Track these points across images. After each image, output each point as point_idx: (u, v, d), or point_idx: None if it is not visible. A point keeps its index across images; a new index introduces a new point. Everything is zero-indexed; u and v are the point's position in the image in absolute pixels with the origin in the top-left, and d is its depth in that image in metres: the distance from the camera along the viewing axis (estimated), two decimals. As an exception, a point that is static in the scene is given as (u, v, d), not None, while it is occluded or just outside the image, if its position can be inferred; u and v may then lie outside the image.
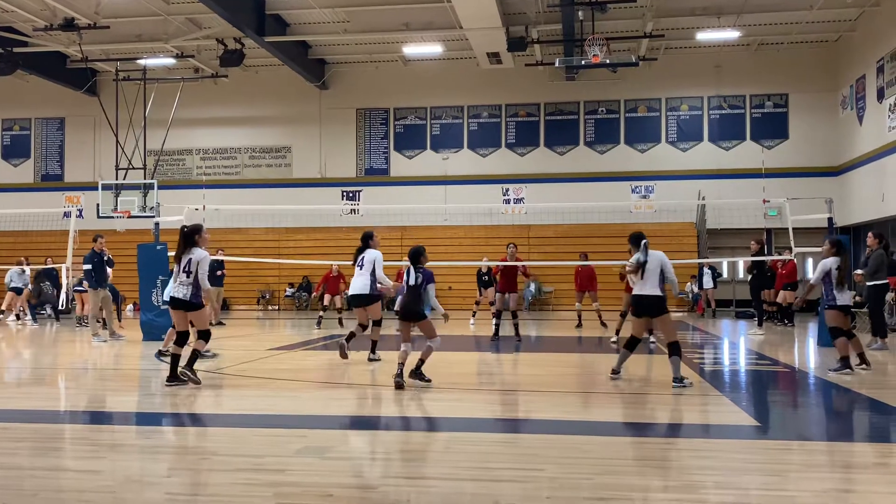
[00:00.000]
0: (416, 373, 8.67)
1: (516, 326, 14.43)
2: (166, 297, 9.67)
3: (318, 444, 5.84)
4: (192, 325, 8.90)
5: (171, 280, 8.94)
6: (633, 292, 8.98)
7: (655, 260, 8.76)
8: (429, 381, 8.64)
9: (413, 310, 8.76)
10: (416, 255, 8.98)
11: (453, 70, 26.65)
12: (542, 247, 25.13)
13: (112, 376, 10.29)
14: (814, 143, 25.02)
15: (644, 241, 8.86)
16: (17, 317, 20.14)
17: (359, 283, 10.70)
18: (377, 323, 10.93)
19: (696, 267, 23.51)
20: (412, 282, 8.84)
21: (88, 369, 10.90)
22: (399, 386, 8.31)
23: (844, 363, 9.50)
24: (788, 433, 6.57)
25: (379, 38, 24.27)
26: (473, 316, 19.15)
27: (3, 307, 19.98)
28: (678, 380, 8.48)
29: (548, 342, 15.19)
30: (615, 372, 9.04)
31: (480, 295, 19.01)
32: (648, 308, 8.78)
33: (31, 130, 29.08)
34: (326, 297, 18.19)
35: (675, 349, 8.63)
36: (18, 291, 19.91)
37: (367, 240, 10.88)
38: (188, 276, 8.60)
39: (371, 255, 10.69)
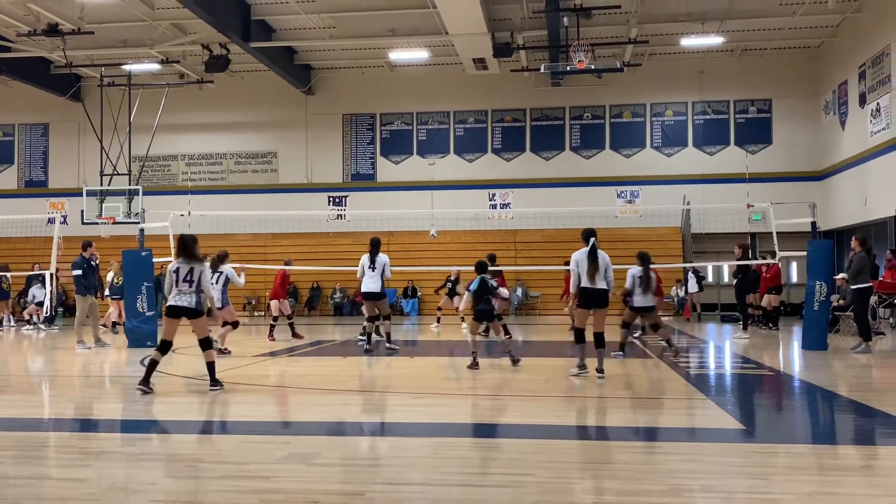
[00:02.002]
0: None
1: (504, 327, 14.58)
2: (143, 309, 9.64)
3: (304, 451, 5.82)
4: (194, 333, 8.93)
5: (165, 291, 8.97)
6: (583, 285, 9.66)
7: (604, 260, 9.68)
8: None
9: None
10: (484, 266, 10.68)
11: (439, 76, 26.70)
12: (529, 252, 25.19)
13: (97, 383, 10.22)
14: (797, 148, 25.23)
15: (592, 239, 9.66)
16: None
17: (373, 283, 12.74)
18: (387, 317, 13.05)
19: (682, 271, 23.61)
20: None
21: (73, 376, 10.82)
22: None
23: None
24: (773, 436, 6.61)
25: (365, 44, 24.29)
26: (438, 322, 19.16)
27: None
28: (581, 367, 9.65)
29: (535, 347, 15.21)
30: (581, 367, 9.73)
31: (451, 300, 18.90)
32: (598, 300, 9.61)
33: (14, 136, 28.90)
34: (274, 305, 15.99)
35: (601, 341, 9.67)
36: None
37: (380, 245, 12.98)
38: (190, 286, 8.68)
39: (383, 258, 12.81)
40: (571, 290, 10.05)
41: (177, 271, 8.71)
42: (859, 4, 21.19)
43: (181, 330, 8.91)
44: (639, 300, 12.15)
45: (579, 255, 9.73)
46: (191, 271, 8.70)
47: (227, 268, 13.28)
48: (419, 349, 13.77)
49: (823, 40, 24.15)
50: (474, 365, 10.37)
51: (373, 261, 12.77)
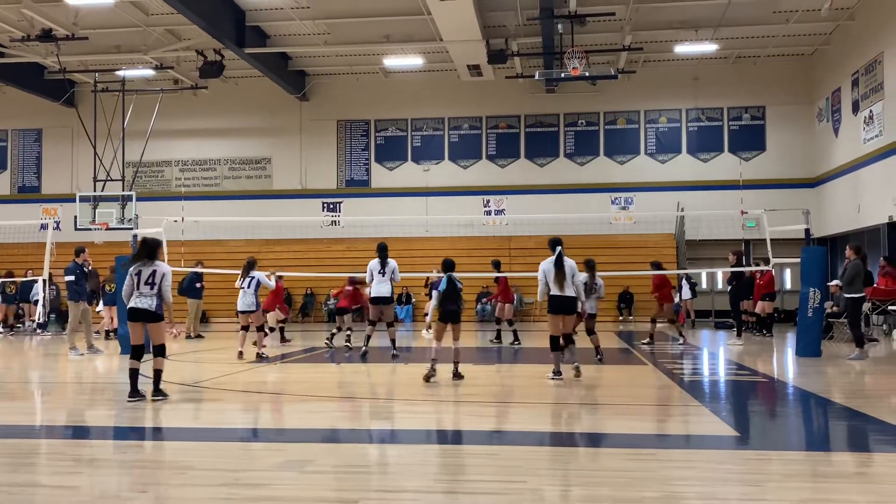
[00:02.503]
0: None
1: (514, 333, 16.14)
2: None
3: (298, 458, 5.79)
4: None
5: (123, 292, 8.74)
6: (553, 293, 9.88)
7: (571, 268, 10.00)
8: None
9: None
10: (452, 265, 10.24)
11: (434, 82, 26.73)
12: (523, 258, 25.13)
13: (89, 390, 10.17)
14: (791, 155, 25.31)
15: (559, 248, 9.98)
16: None
17: (384, 287, 13.00)
18: (391, 323, 13.21)
19: (676, 278, 23.63)
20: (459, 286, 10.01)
21: (66, 383, 10.77)
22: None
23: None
24: (768, 443, 6.60)
25: (360, 50, 24.31)
26: (428, 329, 19.18)
27: None
28: (556, 373, 9.86)
29: (529, 353, 15.20)
30: (577, 370, 10.06)
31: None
32: (567, 307, 9.91)
33: (7, 142, 28.82)
34: (271, 316, 16.01)
35: (569, 339, 10.02)
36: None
37: (387, 250, 13.18)
38: (151, 288, 8.51)
39: (392, 263, 13.09)
40: (539, 298, 10.29)
41: (138, 274, 8.55)
42: (852, 12, 21.29)
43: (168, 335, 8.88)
44: (589, 306, 12.48)
45: (546, 265, 10.01)
46: (153, 274, 8.54)
47: (258, 273, 13.61)
48: (413, 356, 13.74)
49: (816, 48, 24.26)
50: (432, 373, 9.73)
51: (383, 265, 13.04)
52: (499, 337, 16.49)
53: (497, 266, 16.12)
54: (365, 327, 13.81)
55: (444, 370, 10.09)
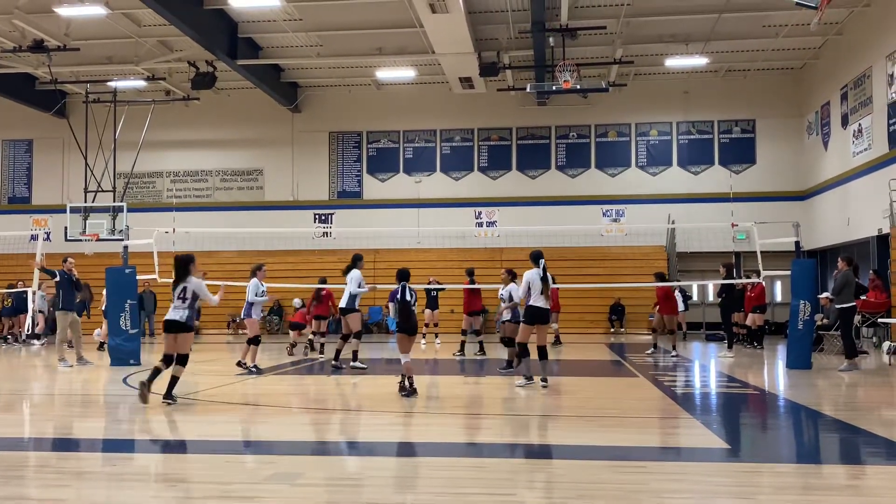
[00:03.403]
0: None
1: (480, 344, 16.15)
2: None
3: (289, 471, 5.77)
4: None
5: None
6: (533, 304, 10.34)
7: (550, 281, 10.49)
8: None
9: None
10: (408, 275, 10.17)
11: (426, 94, 26.80)
12: (515, 269, 25.15)
13: (79, 402, 10.11)
14: (781, 168, 25.44)
15: (542, 261, 10.54)
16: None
17: (342, 298, 12.99)
18: (357, 335, 13.05)
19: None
20: (409, 297, 9.92)
21: (54, 395, 10.70)
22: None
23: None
24: (758, 455, 6.61)
25: (352, 62, 24.35)
26: (423, 337, 19.23)
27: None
28: (544, 380, 10.26)
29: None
30: (528, 378, 10.52)
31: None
32: (542, 317, 10.42)
33: (-2, 152, 28.70)
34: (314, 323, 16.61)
35: (545, 354, 10.43)
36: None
37: (356, 260, 13.09)
38: (183, 302, 9.16)
39: (353, 274, 12.85)
40: (515, 300, 10.99)
41: (173, 288, 9.24)
42: (840, 27, 21.46)
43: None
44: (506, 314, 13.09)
45: (532, 276, 10.46)
46: (184, 290, 9.16)
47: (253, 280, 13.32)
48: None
49: (806, 62, 24.44)
50: (403, 388, 9.64)
51: (344, 274, 12.97)
52: (462, 349, 16.00)
53: (512, 276, 16.00)
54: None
55: (421, 382, 10.06)
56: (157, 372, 9.01)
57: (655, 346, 16.29)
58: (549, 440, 7.15)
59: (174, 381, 9.00)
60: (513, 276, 12.46)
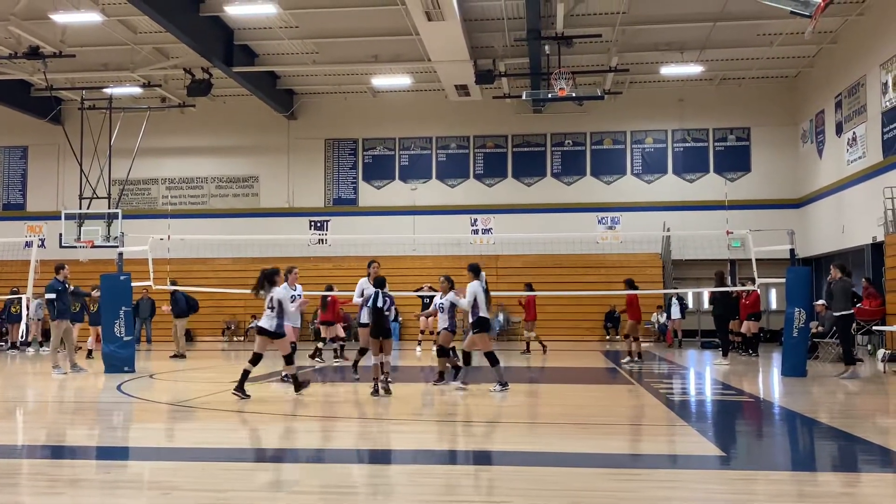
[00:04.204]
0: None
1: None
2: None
3: (283, 478, 5.75)
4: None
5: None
6: (482, 315, 10.78)
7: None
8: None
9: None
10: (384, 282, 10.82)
11: (422, 101, 26.84)
12: (510, 277, 25.18)
13: (71, 409, 10.07)
14: (775, 176, 25.51)
15: (482, 273, 11.02)
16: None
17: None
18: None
19: (662, 297, 23.73)
20: (381, 303, 10.48)
21: (47, 402, 10.66)
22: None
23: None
24: (753, 463, 6.61)
25: (348, 70, 24.40)
26: (419, 345, 19.24)
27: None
28: (503, 384, 10.64)
29: (513, 372, 15.17)
30: (464, 383, 10.95)
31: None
32: (490, 326, 10.92)
33: (-8, 159, 28.65)
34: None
35: (496, 360, 10.77)
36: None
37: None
38: (272, 311, 10.13)
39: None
40: (465, 305, 11.06)
41: (267, 299, 10.21)
42: (835, 36, 21.56)
43: (163, 355, 8.86)
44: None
45: (476, 288, 10.87)
46: (270, 299, 10.16)
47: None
48: (399, 375, 13.68)
49: (800, 70, 24.54)
50: (376, 392, 10.27)
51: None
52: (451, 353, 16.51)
53: (529, 287, 16.06)
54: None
55: (415, 390, 10.05)
56: (246, 374, 9.96)
57: (636, 354, 16.19)
58: (542, 447, 7.13)
59: (293, 378, 10.32)
60: (451, 285, 12.27)
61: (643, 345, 22.32)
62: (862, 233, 19.91)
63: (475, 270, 11.10)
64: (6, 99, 25.12)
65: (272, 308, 10.15)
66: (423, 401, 10.42)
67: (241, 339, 26.06)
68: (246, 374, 10.01)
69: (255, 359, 10.15)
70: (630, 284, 16.41)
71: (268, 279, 10.38)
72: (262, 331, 10.29)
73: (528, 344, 19.18)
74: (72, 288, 14.94)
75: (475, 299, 10.83)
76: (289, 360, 10.39)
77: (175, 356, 17.59)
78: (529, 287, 18.64)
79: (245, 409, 9.29)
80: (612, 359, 17.56)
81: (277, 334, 10.17)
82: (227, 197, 27.67)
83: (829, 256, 22.42)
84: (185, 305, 18.28)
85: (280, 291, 10.26)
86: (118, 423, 8.41)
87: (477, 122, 26.67)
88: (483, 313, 10.85)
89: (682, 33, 21.60)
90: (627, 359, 15.98)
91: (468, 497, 5.26)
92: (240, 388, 9.87)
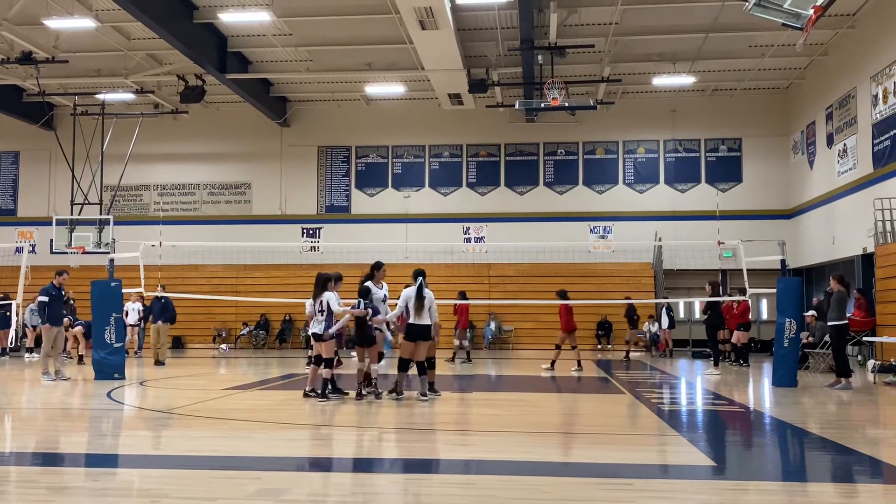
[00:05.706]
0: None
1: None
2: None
3: (274, 486, 5.73)
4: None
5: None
6: (410, 321, 10.57)
7: (429, 299, 10.68)
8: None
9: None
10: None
11: (415, 110, 26.89)
12: (503, 286, 25.24)
13: (61, 416, 10.01)
14: (767, 187, 25.63)
15: (421, 279, 10.69)
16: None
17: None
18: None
19: (654, 307, 23.76)
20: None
21: (37, 409, 10.59)
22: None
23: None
24: (744, 473, 6.62)
25: (341, 78, 24.43)
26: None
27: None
28: (423, 394, 10.56)
29: (507, 381, 15.18)
30: (399, 393, 10.67)
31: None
32: (422, 334, 10.56)
33: (-16, 164, 28.54)
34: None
35: (424, 369, 10.66)
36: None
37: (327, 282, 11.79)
38: (322, 315, 10.43)
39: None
40: (391, 317, 11.03)
41: (318, 304, 10.50)
42: (826, 48, 21.71)
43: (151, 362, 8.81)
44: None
45: (409, 292, 10.70)
46: (321, 303, 10.45)
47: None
48: (389, 383, 13.63)
49: (792, 82, 24.69)
50: (359, 394, 10.64)
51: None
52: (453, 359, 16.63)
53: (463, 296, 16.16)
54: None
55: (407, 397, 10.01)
56: (326, 382, 10.41)
57: (553, 364, 16.48)
58: (534, 457, 7.13)
59: (325, 382, 10.45)
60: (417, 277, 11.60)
61: (634, 354, 22.42)
62: (852, 244, 20.01)
63: (414, 275, 10.84)
64: (-2, 104, 25.04)
65: (321, 311, 10.45)
66: (417, 409, 10.40)
67: (232, 346, 25.94)
68: (326, 382, 10.42)
69: (327, 363, 10.53)
70: (562, 296, 16.55)
71: (323, 284, 10.67)
72: (316, 337, 10.62)
73: (455, 354, 19.04)
74: (67, 295, 14.80)
75: (406, 305, 10.70)
76: (328, 363, 10.54)
77: (158, 363, 17.51)
78: (463, 295, 18.42)
79: (235, 417, 9.25)
80: (603, 368, 17.57)
81: (320, 337, 10.49)
82: (220, 203, 27.63)
83: (820, 267, 22.52)
84: (174, 311, 18.23)
85: (329, 295, 10.53)
86: (107, 430, 8.35)
87: (470, 131, 26.72)
88: (413, 320, 10.66)
89: (675, 44, 21.72)
90: (575, 367, 16.27)
91: (459, 506, 5.24)
92: (334, 391, 10.54)
